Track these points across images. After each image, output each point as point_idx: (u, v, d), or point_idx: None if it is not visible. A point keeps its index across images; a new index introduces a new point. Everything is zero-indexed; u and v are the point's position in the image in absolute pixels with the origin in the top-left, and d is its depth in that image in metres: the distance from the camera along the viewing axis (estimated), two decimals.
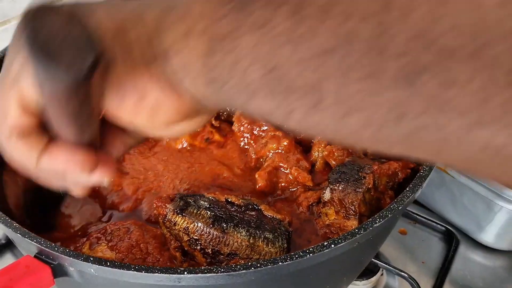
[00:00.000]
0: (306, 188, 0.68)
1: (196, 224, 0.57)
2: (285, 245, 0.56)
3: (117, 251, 0.57)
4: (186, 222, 0.57)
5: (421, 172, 0.59)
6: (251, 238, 0.56)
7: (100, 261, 0.47)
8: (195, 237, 0.57)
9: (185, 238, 0.57)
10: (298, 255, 0.48)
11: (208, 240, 0.56)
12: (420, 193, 0.97)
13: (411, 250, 0.93)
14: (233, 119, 0.73)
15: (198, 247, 0.57)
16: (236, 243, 0.56)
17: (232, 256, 0.56)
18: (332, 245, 0.49)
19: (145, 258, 0.57)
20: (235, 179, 0.71)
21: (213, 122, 0.71)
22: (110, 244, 0.58)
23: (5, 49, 0.80)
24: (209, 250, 0.56)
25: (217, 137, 0.71)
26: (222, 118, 0.76)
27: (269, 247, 0.56)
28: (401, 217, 0.98)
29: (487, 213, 0.86)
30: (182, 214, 0.58)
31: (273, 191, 0.70)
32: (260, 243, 0.56)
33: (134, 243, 0.58)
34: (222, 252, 0.56)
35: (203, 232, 0.56)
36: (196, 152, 0.72)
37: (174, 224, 0.58)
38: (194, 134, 0.71)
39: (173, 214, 0.58)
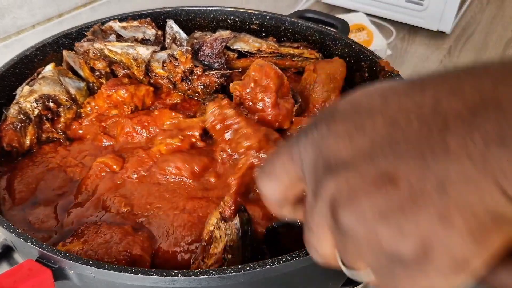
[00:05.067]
0: None
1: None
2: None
3: (87, 243, 0.59)
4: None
5: None
6: None
7: (99, 264, 0.50)
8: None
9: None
10: (285, 259, 0.51)
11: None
12: None
13: None
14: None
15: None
16: None
17: None
18: None
19: (109, 241, 0.60)
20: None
21: None
22: (81, 240, 0.60)
23: (6, 65, 0.83)
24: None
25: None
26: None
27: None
28: None
29: None
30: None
31: (248, 192, 0.69)
32: None
33: (101, 233, 0.61)
34: None
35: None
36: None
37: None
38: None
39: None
